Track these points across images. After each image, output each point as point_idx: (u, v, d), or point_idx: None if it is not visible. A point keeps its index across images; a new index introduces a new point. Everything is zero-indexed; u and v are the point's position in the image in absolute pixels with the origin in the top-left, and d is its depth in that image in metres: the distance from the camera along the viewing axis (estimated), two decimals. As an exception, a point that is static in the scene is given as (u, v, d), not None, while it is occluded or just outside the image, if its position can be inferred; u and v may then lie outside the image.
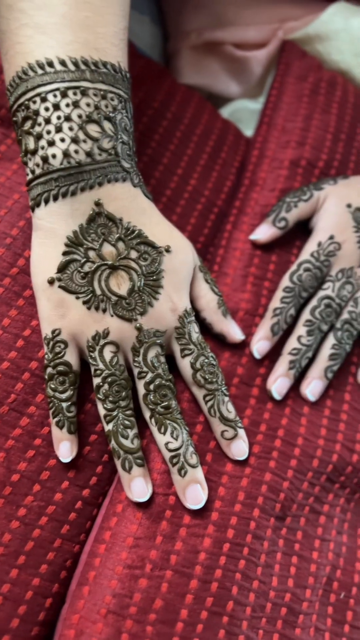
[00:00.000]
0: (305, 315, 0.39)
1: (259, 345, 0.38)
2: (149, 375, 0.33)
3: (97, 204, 0.33)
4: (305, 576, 0.35)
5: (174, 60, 0.55)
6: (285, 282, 0.39)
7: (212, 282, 0.38)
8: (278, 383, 0.37)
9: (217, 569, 0.32)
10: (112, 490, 0.34)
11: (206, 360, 0.35)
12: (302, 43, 0.50)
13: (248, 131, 0.51)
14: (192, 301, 0.37)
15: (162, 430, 0.33)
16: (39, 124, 0.31)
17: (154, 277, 0.34)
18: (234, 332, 0.37)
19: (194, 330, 0.35)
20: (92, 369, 0.33)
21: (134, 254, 0.33)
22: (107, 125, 0.32)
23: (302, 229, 0.43)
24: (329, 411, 0.39)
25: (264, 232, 0.40)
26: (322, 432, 0.38)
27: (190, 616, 0.31)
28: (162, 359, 0.34)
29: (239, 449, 0.35)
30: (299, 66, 0.49)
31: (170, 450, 0.33)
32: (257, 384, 0.38)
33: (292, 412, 0.38)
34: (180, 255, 0.35)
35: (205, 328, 0.38)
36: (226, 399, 0.35)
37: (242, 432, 0.35)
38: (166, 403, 0.33)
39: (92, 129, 0.32)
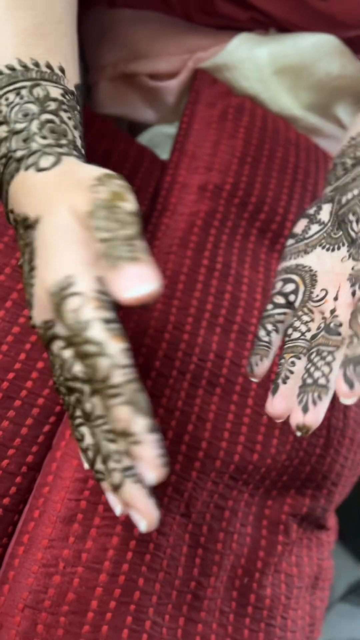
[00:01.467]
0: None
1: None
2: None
3: None
4: (210, 565, 0.40)
5: (94, 91, 0.58)
6: None
7: None
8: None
9: (124, 563, 0.37)
10: (31, 498, 0.38)
11: None
12: (213, 71, 0.54)
13: (165, 155, 0.55)
14: None
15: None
16: None
17: None
18: None
19: None
20: None
21: None
22: None
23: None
24: (233, 416, 0.43)
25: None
26: (225, 435, 0.42)
27: (99, 606, 0.35)
28: None
29: None
30: (209, 94, 0.53)
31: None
32: (167, 394, 0.42)
33: (197, 419, 0.42)
34: None
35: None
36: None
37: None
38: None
39: None
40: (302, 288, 0.39)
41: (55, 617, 0.35)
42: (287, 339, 0.37)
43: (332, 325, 0.35)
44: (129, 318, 0.43)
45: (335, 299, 0.37)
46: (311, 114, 0.57)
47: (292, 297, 0.39)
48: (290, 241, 0.42)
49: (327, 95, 0.57)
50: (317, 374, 0.33)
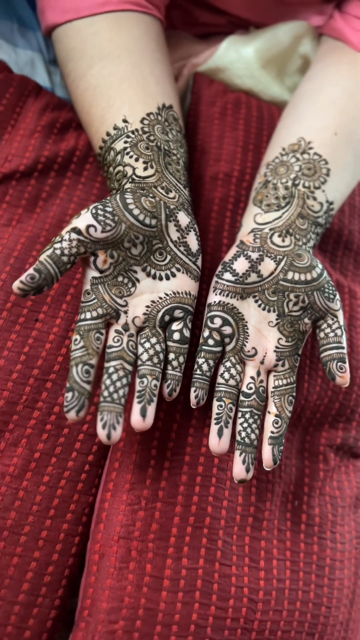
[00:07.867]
0: None
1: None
2: None
3: None
4: (264, 493, 0.47)
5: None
6: None
7: None
8: None
9: (193, 496, 0.44)
10: (110, 453, 0.46)
11: None
12: (208, 74, 0.61)
13: (176, 153, 0.62)
14: None
15: None
16: None
17: None
18: None
19: None
20: None
21: None
22: None
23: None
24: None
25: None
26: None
27: (179, 532, 0.43)
28: None
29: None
30: (207, 94, 0.60)
31: None
32: None
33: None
34: None
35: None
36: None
37: None
38: None
39: None
40: (236, 335, 0.45)
41: (145, 544, 0.42)
42: (223, 380, 0.44)
43: (261, 390, 0.44)
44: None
45: (262, 362, 0.45)
46: (299, 96, 0.64)
47: (227, 340, 0.45)
48: (227, 275, 0.45)
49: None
50: (252, 436, 0.43)
